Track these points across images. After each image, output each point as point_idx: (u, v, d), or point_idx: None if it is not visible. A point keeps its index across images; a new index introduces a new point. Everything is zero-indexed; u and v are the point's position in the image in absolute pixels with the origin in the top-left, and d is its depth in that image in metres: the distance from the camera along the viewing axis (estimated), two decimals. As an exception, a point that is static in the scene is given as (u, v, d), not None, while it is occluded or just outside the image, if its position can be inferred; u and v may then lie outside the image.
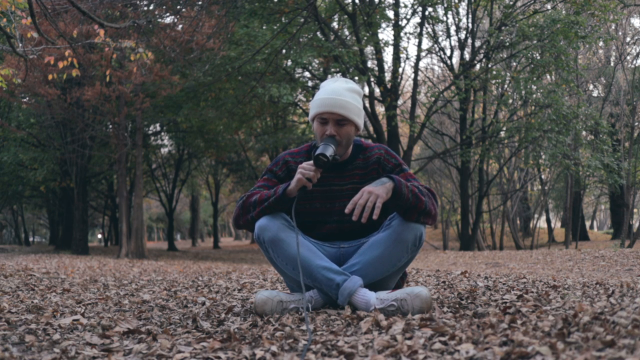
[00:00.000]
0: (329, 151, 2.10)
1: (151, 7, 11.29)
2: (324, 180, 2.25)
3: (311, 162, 2.12)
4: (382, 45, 14.75)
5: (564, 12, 14.41)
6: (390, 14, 15.83)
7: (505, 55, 16.28)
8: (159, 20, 12.08)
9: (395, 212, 2.13)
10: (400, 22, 15.16)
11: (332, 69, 16.29)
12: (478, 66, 15.74)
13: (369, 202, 1.96)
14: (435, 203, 2.13)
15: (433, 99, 15.64)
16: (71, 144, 15.38)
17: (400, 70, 15.68)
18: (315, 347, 1.51)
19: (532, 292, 2.51)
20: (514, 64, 17.18)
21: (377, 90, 15.42)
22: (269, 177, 2.29)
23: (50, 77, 7.58)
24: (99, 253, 16.67)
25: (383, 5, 15.21)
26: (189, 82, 13.53)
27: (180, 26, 12.12)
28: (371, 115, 14.40)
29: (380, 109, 17.42)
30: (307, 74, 16.81)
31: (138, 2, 10.89)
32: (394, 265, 2.13)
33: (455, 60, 18.96)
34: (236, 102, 14.18)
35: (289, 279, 2.27)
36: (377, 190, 1.99)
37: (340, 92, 2.20)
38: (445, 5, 15.04)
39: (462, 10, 18.62)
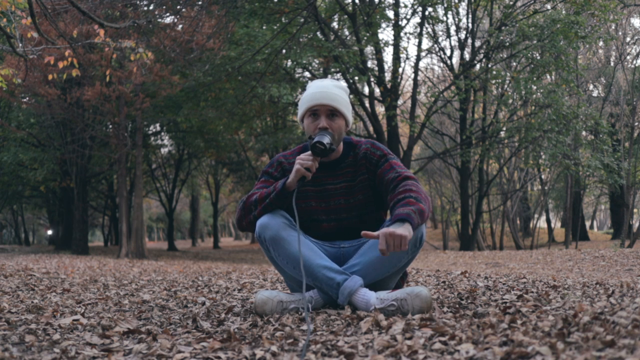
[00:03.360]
0: (326, 139, 2.12)
1: (151, 7, 11.29)
2: (318, 180, 2.27)
3: (308, 152, 2.14)
4: (382, 45, 14.75)
5: (564, 12, 14.41)
6: (390, 14, 15.84)
7: (505, 55, 16.28)
8: (159, 20, 12.08)
9: (395, 213, 2.13)
10: (400, 22, 15.16)
11: (332, 69, 16.29)
12: (478, 66, 15.74)
13: (395, 248, 1.91)
14: (423, 191, 2.11)
15: (433, 99, 15.64)
16: (71, 144, 15.38)
17: (400, 70, 15.68)
18: (315, 347, 1.51)
19: (532, 292, 2.51)
20: (514, 64, 17.19)
21: (377, 90, 15.42)
22: (265, 179, 2.31)
23: (50, 77, 7.58)
24: (99, 253, 16.67)
25: (383, 5, 15.21)
26: (189, 82, 13.52)
27: (180, 26, 12.12)
28: (371, 115, 14.39)
29: (380, 109, 17.41)
30: (307, 74, 16.80)
31: (138, 2, 10.89)
32: (394, 266, 2.13)
33: (455, 60, 18.97)
34: (236, 102, 14.17)
35: (289, 278, 2.27)
36: (399, 230, 1.91)
37: (328, 87, 2.25)
38: (445, 5, 15.04)
39: (462, 10, 18.63)
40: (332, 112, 2.22)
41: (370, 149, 2.28)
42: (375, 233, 1.95)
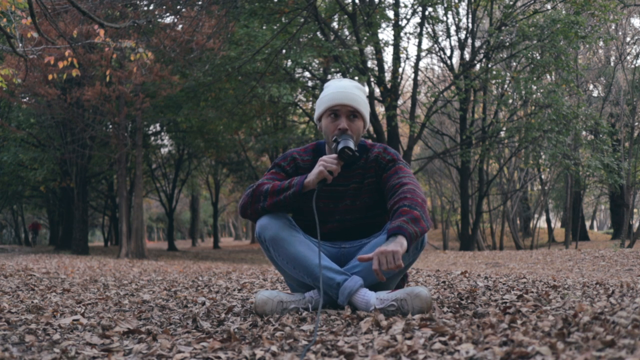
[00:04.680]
0: (351, 144, 2.10)
1: (151, 7, 11.30)
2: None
3: (333, 155, 2.11)
4: (382, 45, 14.75)
5: (564, 12, 14.42)
6: (390, 14, 15.84)
7: (505, 55, 16.28)
8: (159, 20, 12.09)
9: (388, 228, 2.11)
10: (400, 22, 15.17)
11: (332, 69, 16.29)
12: (478, 66, 15.75)
13: (389, 265, 1.87)
14: (419, 194, 2.08)
15: (433, 99, 15.64)
16: (71, 144, 15.38)
17: (400, 70, 15.68)
18: (315, 347, 1.51)
19: (532, 292, 2.51)
20: (514, 64, 17.19)
21: (377, 90, 15.42)
22: (277, 171, 2.28)
23: (50, 77, 7.59)
24: (99, 253, 16.68)
25: (383, 5, 15.21)
26: (189, 82, 13.52)
27: (180, 26, 12.12)
28: (371, 115, 14.38)
29: (380, 109, 17.42)
30: (307, 74, 16.81)
31: (138, 2, 10.90)
32: (395, 268, 2.12)
33: (455, 60, 18.97)
34: (236, 102, 14.18)
35: (289, 278, 2.27)
36: (390, 247, 1.89)
37: (349, 87, 2.24)
38: (445, 5, 15.05)
39: (462, 10, 18.63)
40: (353, 113, 2.21)
41: (381, 153, 2.27)
42: (369, 255, 1.92)
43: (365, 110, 2.25)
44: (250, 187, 2.20)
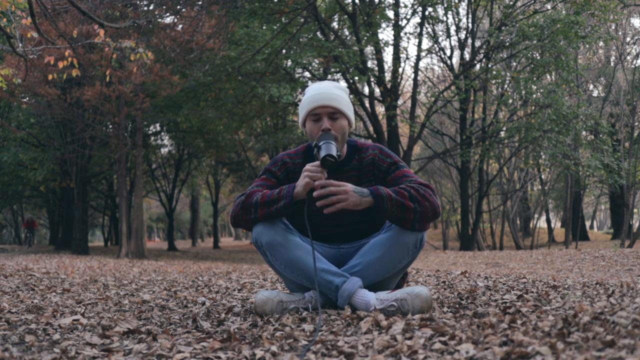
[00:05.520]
0: (333, 149, 2.07)
1: (151, 7, 11.30)
2: None
3: (316, 163, 2.08)
4: (382, 45, 14.75)
5: (564, 12, 14.42)
6: (390, 14, 15.84)
7: (505, 55, 16.28)
8: (159, 20, 12.09)
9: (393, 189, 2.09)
10: (400, 22, 15.17)
11: (332, 69, 16.29)
12: (478, 66, 15.75)
13: (335, 198, 1.98)
14: (431, 200, 2.03)
15: (433, 99, 15.64)
16: (71, 144, 15.38)
17: (400, 70, 15.68)
18: (315, 347, 1.51)
19: (532, 292, 2.51)
20: (514, 64, 17.19)
21: (377, 90, 15.41)
22: (267, 177, 2.26)
23: (50, 77, 7.59)
24: (99, 253, 16.68)
25: (383, 5, 15.22)
26: (189, 82, 13.52)
27: (180, 26, 12.12)
28: (371, 115, 14.38)
29: (380, 109, 17.42)
30: (307, 74, 16.81)
31: (138, 2, 10.90)
32: (394, 267, 2.12)
33: (455, 60, 18.97)
34: (236, 102, 14.17)
35: (288, 281, 2.26)
36: (352, 197, 1.98)
37: (328, 88, 2.22)
38: (445, 5, 15.05)
39: (462, 10, 18.64)
40: (334, 113, 2.18)
41: (378, 155, 2.23)
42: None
43: (348, 109, 2.21)
44: (240, 197, 2.17)
